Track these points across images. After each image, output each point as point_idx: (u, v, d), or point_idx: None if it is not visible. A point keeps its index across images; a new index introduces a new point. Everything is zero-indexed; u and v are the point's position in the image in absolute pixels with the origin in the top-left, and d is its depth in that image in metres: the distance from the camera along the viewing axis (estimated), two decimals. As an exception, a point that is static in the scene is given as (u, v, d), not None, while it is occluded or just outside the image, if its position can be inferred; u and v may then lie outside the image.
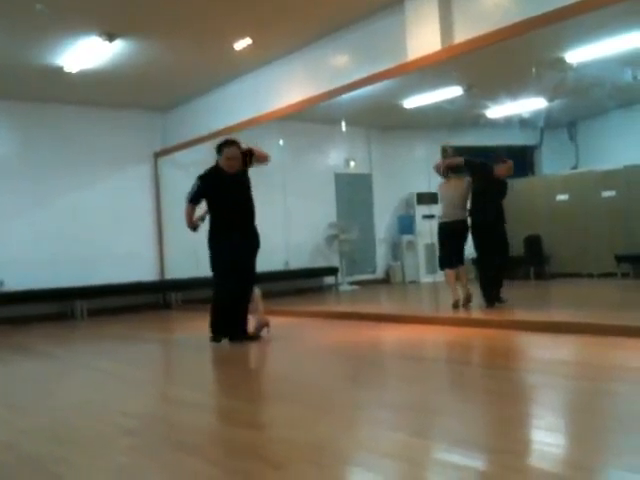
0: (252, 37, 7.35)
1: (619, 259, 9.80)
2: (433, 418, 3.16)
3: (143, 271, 10.04)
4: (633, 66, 8.00)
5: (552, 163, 12.16)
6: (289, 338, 6.20)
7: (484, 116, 9.78)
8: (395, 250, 12.20)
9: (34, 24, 6.58)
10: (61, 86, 8.67)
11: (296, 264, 10.85)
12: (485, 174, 7.01)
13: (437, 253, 7.48)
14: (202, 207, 5.83)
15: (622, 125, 10.03)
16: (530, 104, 9.55)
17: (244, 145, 5.79)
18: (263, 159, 5.88)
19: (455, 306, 6.86)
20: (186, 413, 3.50)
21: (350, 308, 8.45)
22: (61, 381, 4.73)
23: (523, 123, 9.74)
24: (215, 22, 6.89)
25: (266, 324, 5.96)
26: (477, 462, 2.44)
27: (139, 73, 8.40)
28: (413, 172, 10.82)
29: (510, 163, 7.09)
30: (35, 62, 7.73)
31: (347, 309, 8.29)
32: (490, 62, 7.11)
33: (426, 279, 11.22)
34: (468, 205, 7.15)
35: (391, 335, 6.03)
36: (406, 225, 12.00)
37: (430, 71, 6.54)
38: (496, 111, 9.67)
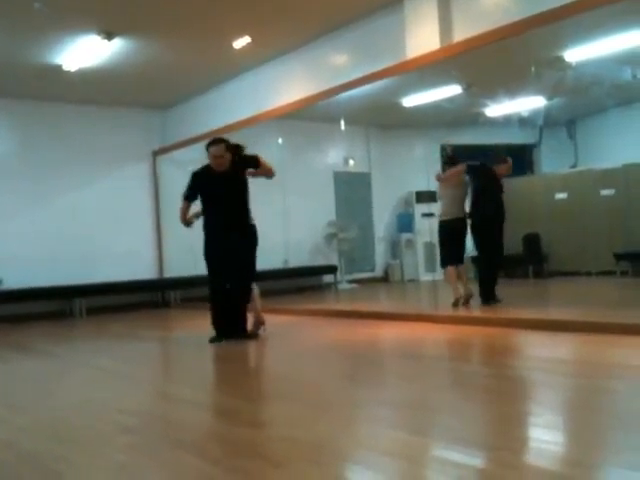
0: (251, 35, 7.35)
1: (618, 257, 9.81)
2: (432, 416, 3.16)
3: (142, 269, 10.04)
4: (632, 65, 8.01)
5: (551, 161, 12.18)
6: (288, 336, 6.21)
7: (483, 115, 9.79)
8: (394, 248, 12.21)
9: (33, 22, 6.57)
10: (60, 85, 8.66)
11: (295, 262, 10.85)
12: (485, 173, 7.07)
13: (438, 251, 7.48)
14: (199, 205, 5.87)
15: (621, 123, 10.05)
16: (529, 103, 9.56)
17: (248, 151, 5.83)
18: (269, 172, 5.91)
19: (455, 304, 6.87)
20: (185, 411, 3.50)
21: (349, 306, 8.45)
22: (60, 379, 4.73)
23: (522, 122, 9.75)
24: (214, 20, 6.89)
25: (262, 323, 5.98)
26: (476, 460, 2.45)
27: (138, 72, 8.39)
28: (412, 170, 10.83)
29: (510, 162, 7.17)
30: (34, 60, 7.73)
31: (346, 307, 8.29)
32: (489, 61, 7.12)
33: (425, 277, 11.22)
34: (467, 204, 7.18)
35: (390, 333, 6.04)
36: (405, 223, 12.01)
37: (429, 70, 6.54)
38: (495, 110, 9.67)
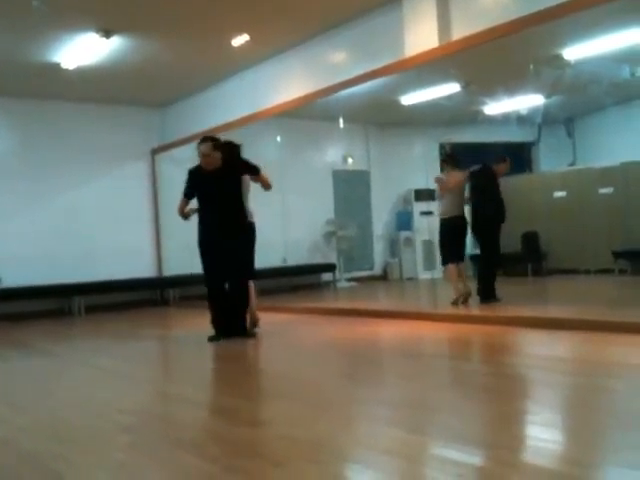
0: (250, 33, 7.34)
1: (616, 255, 9.81)
2: (431, 414, 3.17)
3: (141, 268, 10.04)
4: (630, 63, 8.02)
5: (549, 160, 12.17)
6: (287, 335, 6.21)
7: (482, 113, 9.78)
8: (393, 247, 12.21)
9: (31, 21, 6.55)
10: (58, 83, 8.64)
11: (294, 261, 10.85)
12: (485, 173, 7.14)
13: (437, 250, 7.49)
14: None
15: (619, 122, 10.04)
16: (528, 101, 9.56)
17: (248, 152, 5.86)
18: (266, 185, 5.93)
19: (455, 303, 6.88)
20: (185, 410, 3.51)
21: (348, 305, 8.45)
22: (60, 378, 4.73)
23: (521, 120, 9.76)
24: (213, 18, 6.88)
25: (256, 321, 6.02)
26: (475, 458, 2.46)
27: (136, 69, 8.38)
28: (411, 169, 10.84)
29: (509, 161, 7.29)
30: (32, 59, 7.71)
31: (345, 306, 8.29)
32: (488, 59, 7.12)
33: (424, 275, 11.22)
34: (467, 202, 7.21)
35: (389, 332, 6.04)
36: (404, 222, 12.01)
37: (428, 68, 6.53)
38: (494, 108, 9.68)
